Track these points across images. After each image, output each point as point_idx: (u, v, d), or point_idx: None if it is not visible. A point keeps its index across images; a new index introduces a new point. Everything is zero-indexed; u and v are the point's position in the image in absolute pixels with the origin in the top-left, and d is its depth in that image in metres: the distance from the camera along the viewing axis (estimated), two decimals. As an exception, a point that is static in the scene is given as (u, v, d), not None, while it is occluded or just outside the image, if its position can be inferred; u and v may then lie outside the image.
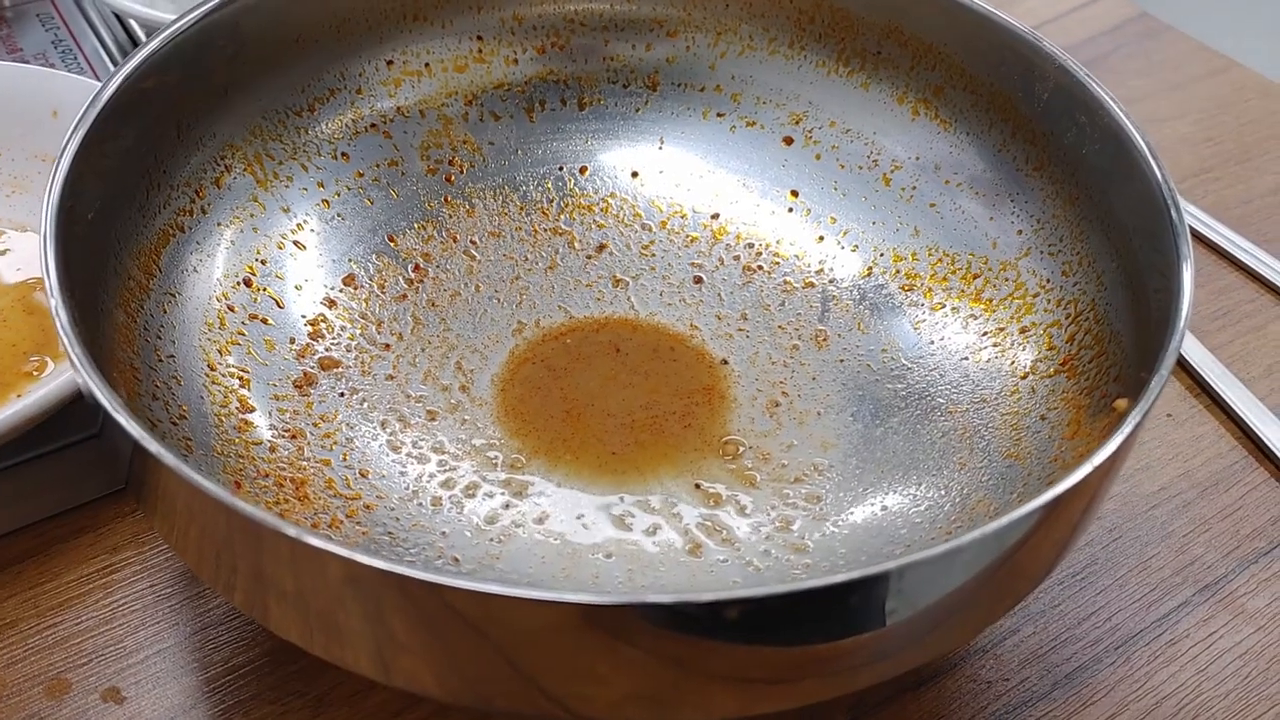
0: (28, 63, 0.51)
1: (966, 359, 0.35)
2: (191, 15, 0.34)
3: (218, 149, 0.36)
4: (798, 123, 0.41)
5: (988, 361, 0.35)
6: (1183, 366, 0.41)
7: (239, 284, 0.35)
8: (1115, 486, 0.37)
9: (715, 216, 0.41)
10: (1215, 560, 0.35)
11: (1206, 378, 0.40)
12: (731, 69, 0.42)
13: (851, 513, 0.32)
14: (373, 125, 0.40)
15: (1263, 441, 0.38)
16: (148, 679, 0.31)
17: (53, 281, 0.26)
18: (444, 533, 0.31)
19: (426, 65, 0.41)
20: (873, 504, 0.32)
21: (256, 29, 0.36)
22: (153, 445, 0.23)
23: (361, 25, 0.39)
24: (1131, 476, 0.37)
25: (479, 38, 0.41)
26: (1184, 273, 0.28)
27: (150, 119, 0.33)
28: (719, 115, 0.42)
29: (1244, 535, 0.36)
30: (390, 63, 0.40)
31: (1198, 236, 0.46)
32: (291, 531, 0.22)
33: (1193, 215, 0.47)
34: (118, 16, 0.52)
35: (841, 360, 0.37)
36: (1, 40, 0.53)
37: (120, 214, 0.32)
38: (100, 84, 0.31)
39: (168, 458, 0.23)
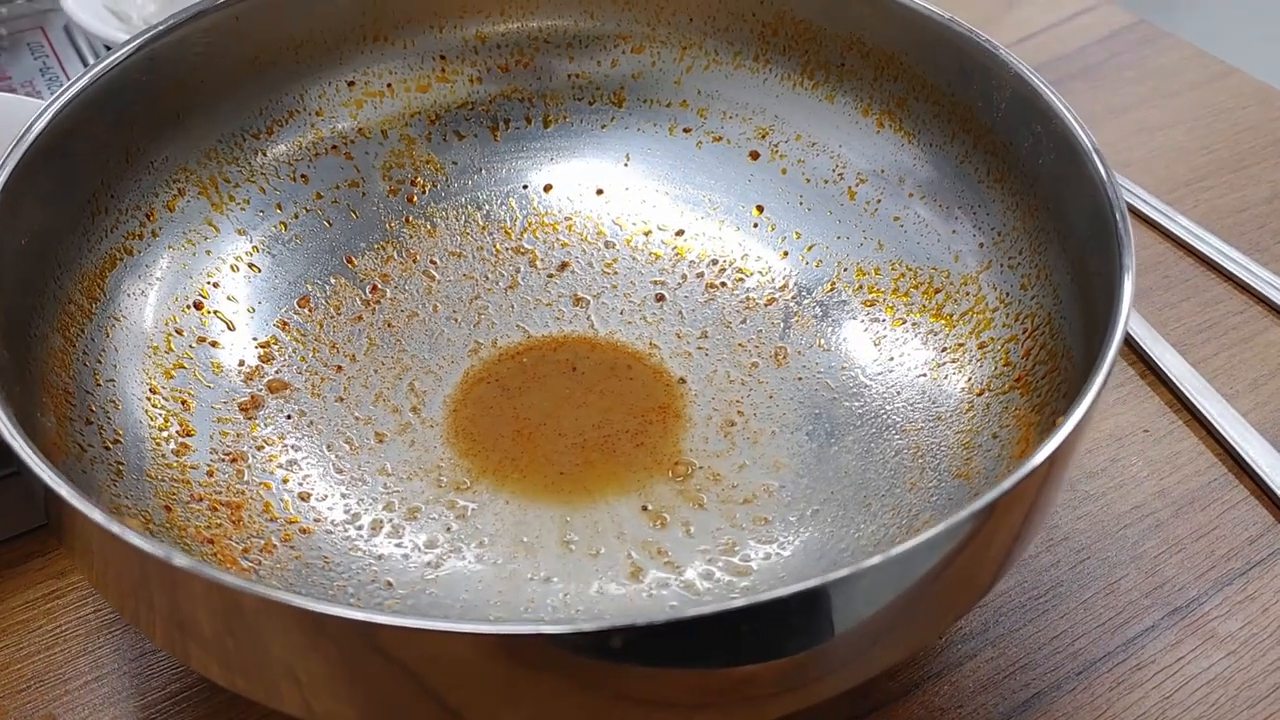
0: (14, 91, 0.52)
1: (924, 375, 0.35)
2: (140, 38, 0.34)
3: (170, 172, 0.36)
4: (764, 137, 0.41)
5: (945, 378, 0.34)
6: (1162, 381, 0.39)
7: (188, 307, 0.35)
8: (1085, 506, 0.35)
9: (680, 233, 0.40)
10: (1187, 582, 0.34)
11: (1186, 392, 0.39)
12: (697, 84, 0.42)
13: (798, 535, 0.31)
14: (334, 147, 0.40)
15: (1242, 457, 0.36)
16: (84, 705, 0.30)
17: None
18: (380, 556, 0.31)
19: (389, 85, 0.41)
20: (820, 526, 0.31)
21: (210, 51, 0.36)
22: (63, 489, 0.23)
23: (321, 46, 0.39)
24: (1103, 495, 0.36)
25: (442, 57, 0.41)
26: (1125, 284, 0.27)
27: (96, 144, 0.33)
28: (685, 130, 0.42)
29: (1219, 556, 0.34)
30: (351, 84, 0.40)
31: (1185, 248, 0.45)
32: (207, 573, 0.21)
33: (1182, 226, 0.45)
34: (107, 46, 0.52)
35: (800, 378, 0.36)
36: (-7, 69, 0.54)
37: (61, 239, 0.32)
38: (41, 107, 0.32)
39: (77, 501, 0.23)
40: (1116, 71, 0.54)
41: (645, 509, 0.33)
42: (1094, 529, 0.35)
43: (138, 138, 0.35)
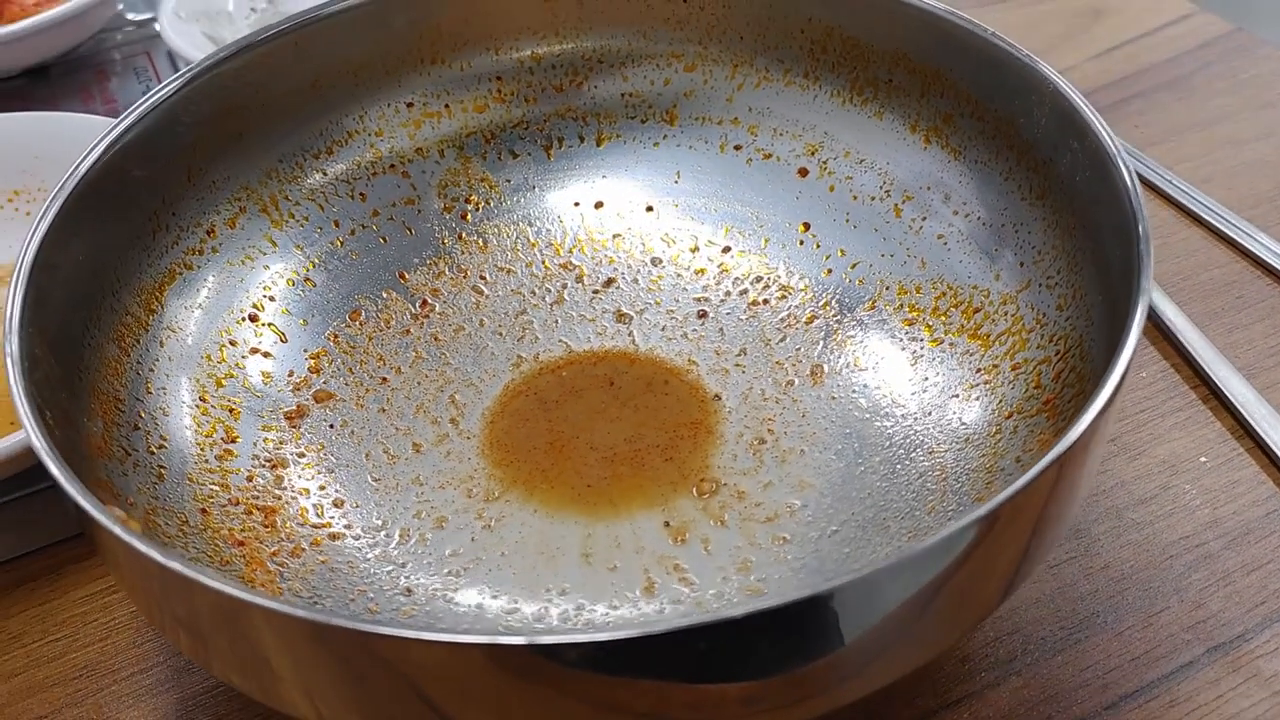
0: (118, 114, 0.55)
1: (957, 396, 0.34)
2: (204, 62, 0.36)
3: (232, 191, 0.38)
4: (813, 154, 0.41)
5: (977, 399, 0.33)
6: (1225, 407, 0.38)
7: (243, 319, 0.37)
8: (1130, 534, 0.34)
9: (726, 250, 0.40)
10: (1234, 617, 0.32)
11: (1250, 419, 0.37)
12: (749, 101, 0.42)
13: (815, 555, 0.31)
14: (391, 166, 0.41)
15: (1306, 489, 0.35)
16: (129, 694, 0.32)
17: (13, 333, 0.27)
18: (403, 564, 0.32)
19: (446, 106, 0.42)
20: (838, 546, 0.31)
21: (271, 75, 0.38)
22: (87, 504, 0.24)
23: (379, 70, 0.41)
24: (1151, 524, 0.35)
25: (498, 78, 0.42)
26: (1138, 306, 0.26)
27: (158, 164, 0.35)
28: (736, 148, 0.42)
29: (1271, 591, 0.33)
30: (410, 105, 0.42)
31: (1263, 267, 0.43)
32: (214, 584, 0.22)
33: (1261, 245, 0.43)
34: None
35: (834, 397, 0.36)
36: (102, 94, 0.58)
37: (120, 255, 0.34)
38: (105, 129, 0.34)
39: (100, 517, 0.23)
40: (1207, 83, 0.52)
41: (667, 524, 0.33)
42: (1138, 558, 0.34)
43: (199, 158, 0.37)
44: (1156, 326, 0.41)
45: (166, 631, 0.27)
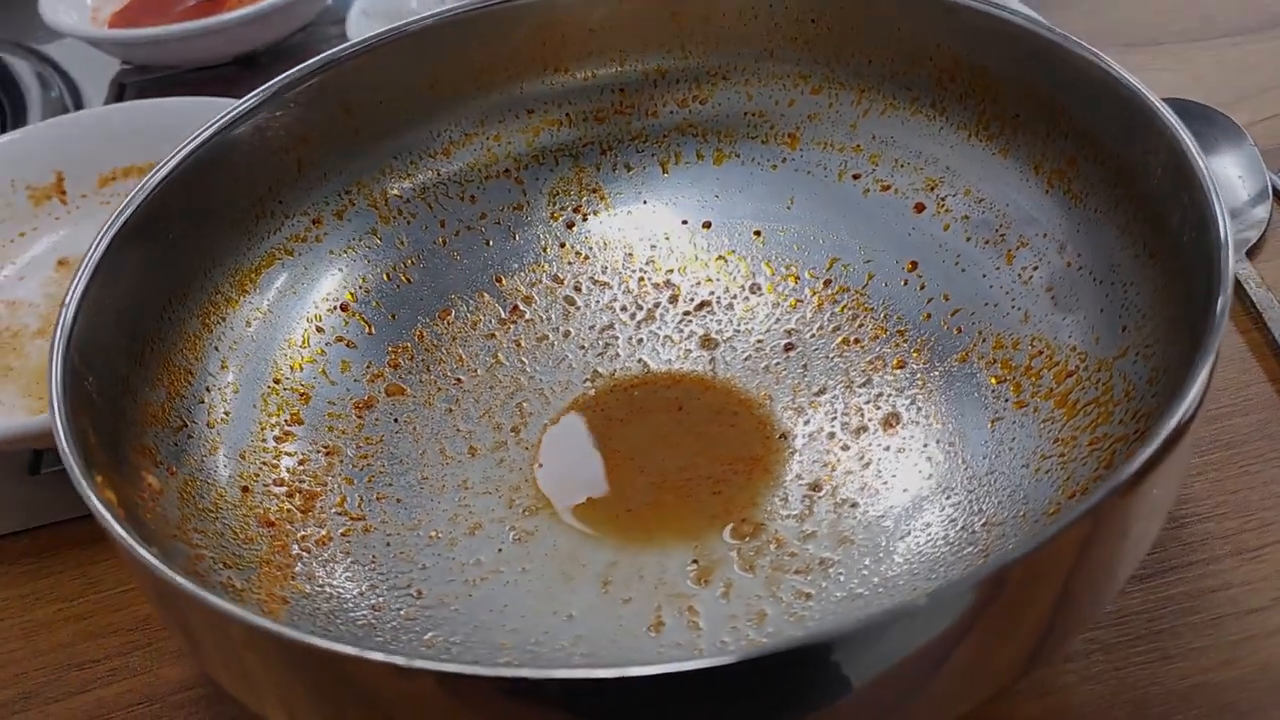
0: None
1: (1027, 465, 0.31)
2: (324, 57, 0.38)
3: (344, 184, 0.39)
4: (932, 189, 0.38)
5: (1047, 473, 0.30)
6: (1374, 514, 0.33)
7: (335, 308, 0.38)
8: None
9: (827, 284, 0.39)
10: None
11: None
12: (873, 129, 0.40)
13: (832, 617, 0.29)
14: (506, 171, 0.42)
15: None
16: (172, 655, 0.34)
17: (71, 304, 0.29)
18: (424, 566, 0.32)
19: (567, 115, 0.42)
20: (858, 612, 0.29)
21: (391, 74, 0.39)
22: (98, 507, 0.24)
23: (501, 75, 0.41)
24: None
25: (621, 90, 0.42)
26: (1196, 379, 0.23)
27: (267, 151, 0.37)
28: (854, 177, 0.40)
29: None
30: (531, 112, 0.42)
31: None
32: (187, 586, 0.22)
33: None
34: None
35: (903, 449, 0.33)
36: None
37: (217, 237, 0.36)
38: (220, 113, 0.35)
39: (107, 519, 0.24)
40: None
41: (695, 562, 0.31)
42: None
43: (312, 150, 0.38)
44: (1314, 413, 0.36)
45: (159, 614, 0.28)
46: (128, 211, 0.32)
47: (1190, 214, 0.28)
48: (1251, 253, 0.42)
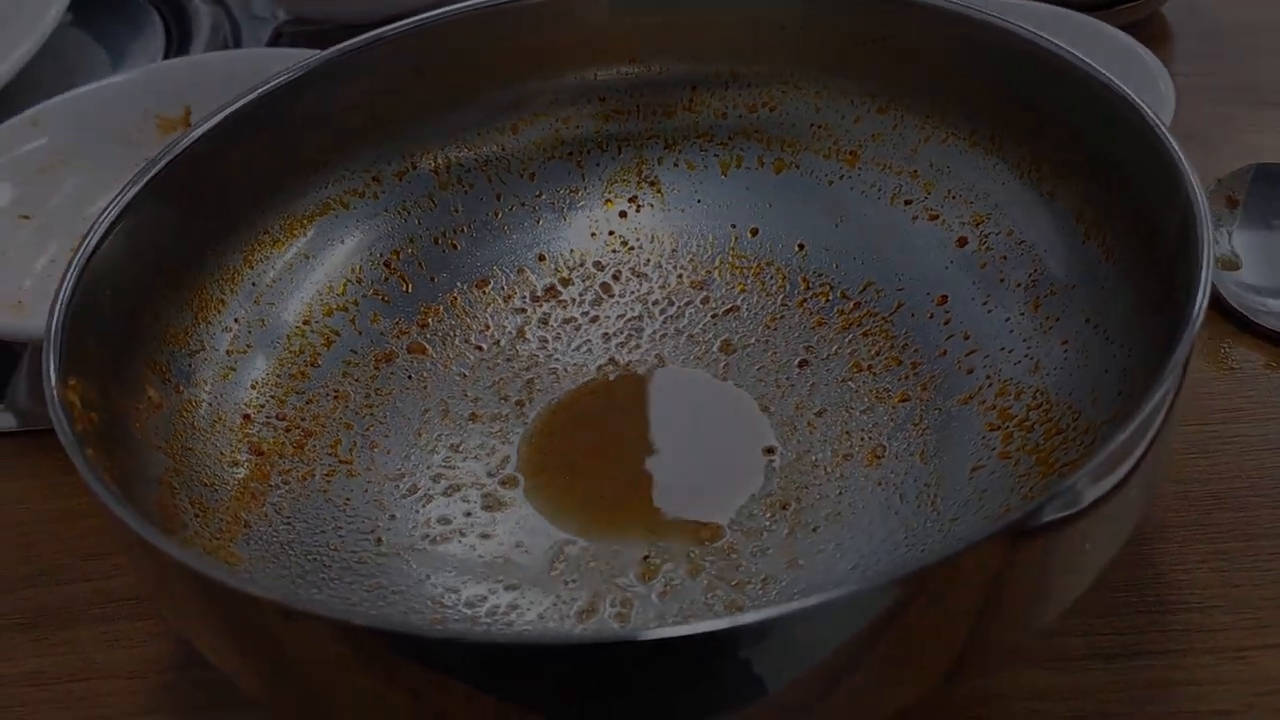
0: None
1: (989, 519, 0.30)
2: (410, 22, 0.39)
3: (410, 147, 0.41)
4: (978, 224, 0.37)
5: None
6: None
7: (378, 263, 0.40)
8: None
9: (856, 306, 0.38)
10: None
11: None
12: (931, 156, 0.39)
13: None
14: (570, 154, 0.42)
15: None
16: (170, 558, 0.36)
17: (105, 221, 0.32)
18: (393, 515, 0.33)
19: (636, 106, 0.42)
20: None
21: (467, 47, 0.40)
22: (55, 408, 0.26)
23: (576, 58, 0.42)
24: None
25: (693, 87, 0.42)
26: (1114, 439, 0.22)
27: (336, 107, 0.39)
28: (906, 202, 0.39)
29: None
30: (603, 99, 0.42)
31: None
32: (143, 533, 0.23)
33: None
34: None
35: (880, 483, 0.33)
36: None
37: (276, 177, 0.38)
38: (295, 63, 0.38)
39: (60, 419, 0.26)
40: None
41: (646, 558, 0.32)
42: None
43: (382, 110, 0.40)
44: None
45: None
46: (193, 137, 0.35)
47: (1194, 286, 0.27)
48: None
